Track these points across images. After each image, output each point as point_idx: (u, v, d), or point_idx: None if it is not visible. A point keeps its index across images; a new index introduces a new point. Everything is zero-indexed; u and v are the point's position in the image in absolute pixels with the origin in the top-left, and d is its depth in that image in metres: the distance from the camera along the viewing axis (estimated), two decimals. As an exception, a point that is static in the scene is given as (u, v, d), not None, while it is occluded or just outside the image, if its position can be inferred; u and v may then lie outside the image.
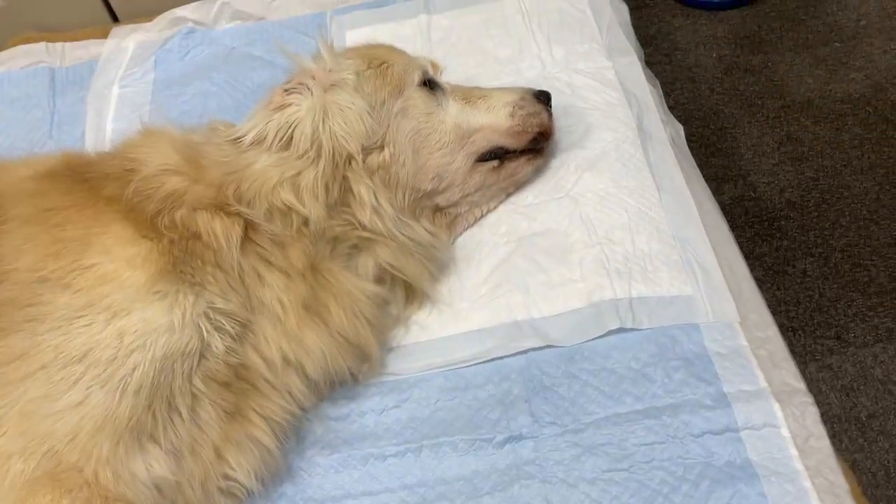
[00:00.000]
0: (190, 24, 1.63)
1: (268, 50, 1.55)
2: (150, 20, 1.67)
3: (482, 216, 1.23)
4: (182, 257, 0.93)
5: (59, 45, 1.66)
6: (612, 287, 1.10)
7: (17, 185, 1.00)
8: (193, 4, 1.67)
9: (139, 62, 1.58)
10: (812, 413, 0.98)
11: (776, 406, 0.98)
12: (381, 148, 1.08)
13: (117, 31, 1.67)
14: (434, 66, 1.22)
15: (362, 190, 1.05)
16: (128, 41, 1.63)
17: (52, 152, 1.09)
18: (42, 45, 1.66)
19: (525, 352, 1.08)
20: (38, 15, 1.91)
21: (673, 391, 1.01)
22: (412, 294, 1.14)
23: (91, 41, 1.67)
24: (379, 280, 1.10)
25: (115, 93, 1.53)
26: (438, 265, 1.16)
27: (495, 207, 1.23)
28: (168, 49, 1.59)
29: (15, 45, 1.69)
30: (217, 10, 1.65)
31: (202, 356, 0.92)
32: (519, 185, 1.24)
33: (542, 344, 1.08)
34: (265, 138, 1.02)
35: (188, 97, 1.50)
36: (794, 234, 1.90)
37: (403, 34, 1.52)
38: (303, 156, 1.02)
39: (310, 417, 1.06)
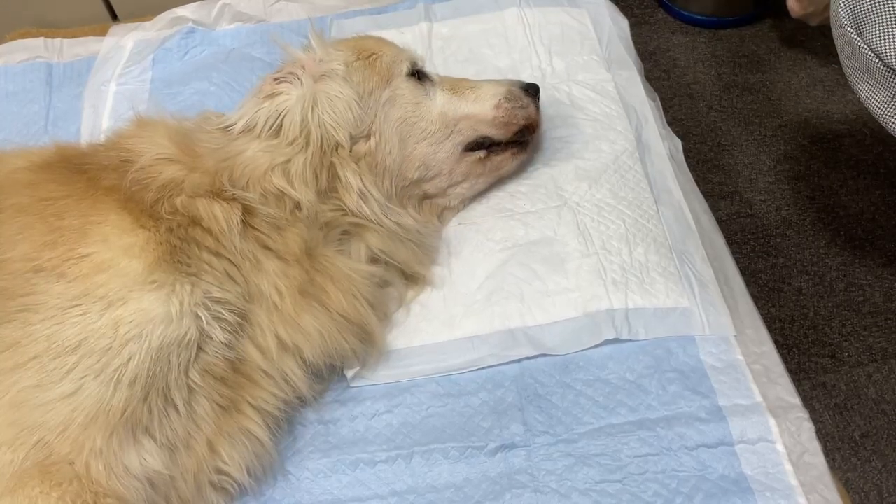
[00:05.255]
0: (190, 24, 1.62)
1: (268, 51, 1.55)
2: (150, 19, 1.66)
3: (469, 204, 1.24)
4: (180, 246, 0.92)
5: (57, 40, 1.65)
6: (609, 297, 1.09)
7: (12, 175, 0.98)
8: (194, 5, 1.66)
9: (137, 60, 1.57)
10: (807, 429, 0.98)
11: (771, 421, 0.97)
12: (368, 137, 1.09)
13: (116, 29, 1.66)
14: (423, 60, 1.22)
15: (349, 175, 1.06)
16: (126, 39, 1.62)
17: (45, 145, 1.08)
18: (40, 40, 1.64)
19: (519, 360, 1.07)
20: (38, 11, 1.91)
21: (668, 403, 1.00)
22: (410, 276, 1.14)
23: (90, 38, 1.65)
24: (373, 263, 1.10)
25: (111, 90, 1.52)
26: (429, 250, 1.17)
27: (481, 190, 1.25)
28: (167, 48, 1.58)
29: (13, 39, 1.68)
30: (218, 11, 1.64)
31: (200, 349, 0.91)
32: (502, 178, 1.25)
33: (536, 352, 1.07)
34: (255, 126, 1.03)
35: (186, 96, 1.49)
36: (789, 251, 1.90)
37: (404, 41, 1.51)
38: (292, 143, 1.03)
39: (300, 421, 1.05)
